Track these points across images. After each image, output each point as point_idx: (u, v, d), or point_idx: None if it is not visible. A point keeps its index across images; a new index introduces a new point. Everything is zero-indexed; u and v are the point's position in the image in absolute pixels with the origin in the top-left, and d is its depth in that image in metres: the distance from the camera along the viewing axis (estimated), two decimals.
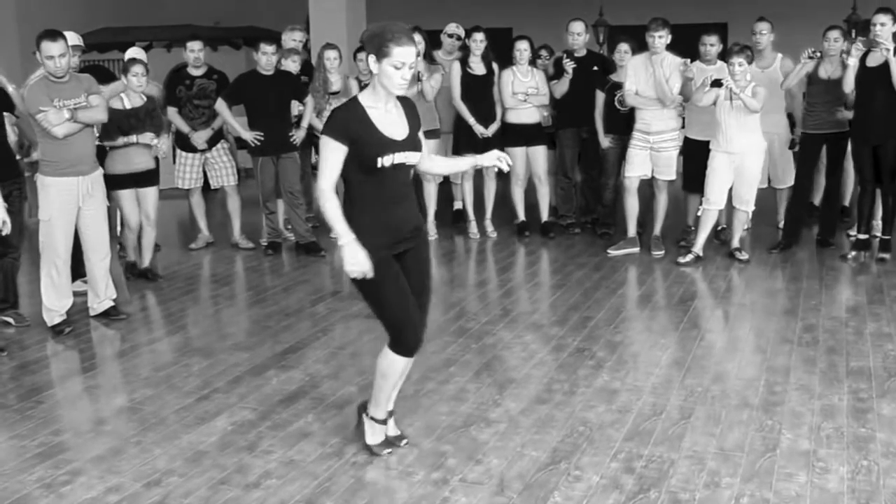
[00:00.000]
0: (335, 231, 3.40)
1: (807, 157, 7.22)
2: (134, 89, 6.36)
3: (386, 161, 3.39)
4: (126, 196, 6.41)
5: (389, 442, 3.83)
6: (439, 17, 8.50)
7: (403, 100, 3.56)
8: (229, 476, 3.64)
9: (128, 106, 6.29)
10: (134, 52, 7.33)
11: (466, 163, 4.08)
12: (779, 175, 7.62)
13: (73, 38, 6.17)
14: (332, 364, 4.94)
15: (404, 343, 3.57)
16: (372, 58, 3.36)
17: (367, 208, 3.46)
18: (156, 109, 6.58)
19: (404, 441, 3.88)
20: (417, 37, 7.46)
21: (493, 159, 3.67)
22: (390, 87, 3.38)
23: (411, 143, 3.50)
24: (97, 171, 5.73)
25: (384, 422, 3.81)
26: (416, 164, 3.62)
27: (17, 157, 6.08)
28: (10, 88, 5.78)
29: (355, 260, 3.36)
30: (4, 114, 5.70)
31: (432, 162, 3.94)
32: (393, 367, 3.63)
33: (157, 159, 6.68)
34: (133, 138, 6.28)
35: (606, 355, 4.97)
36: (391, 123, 3.46)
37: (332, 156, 3.39)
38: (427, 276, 3.70)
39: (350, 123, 3.40)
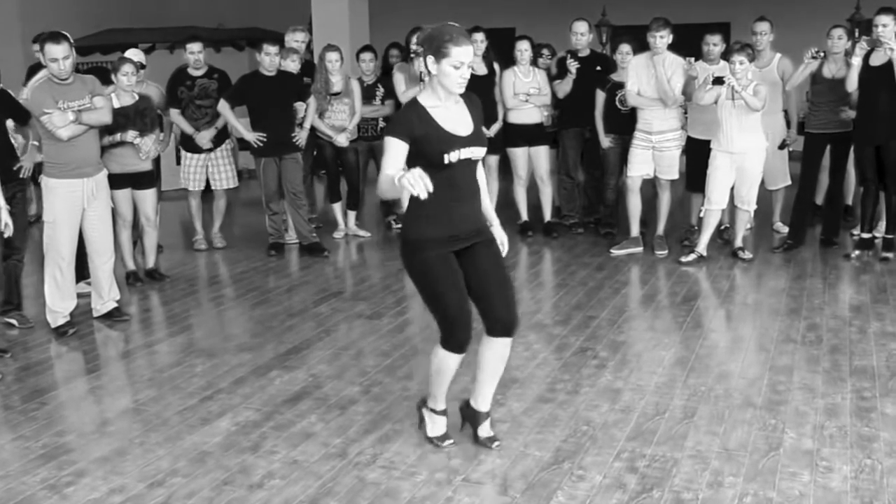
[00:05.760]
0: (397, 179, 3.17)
1: (811, 157, 7.19)
2: (124, 88, 6.34)
3: (452, 157, 3.43)
4: (120, 195, 6.35)
5: (446, 437, 3.84)
6: (442, 18, 8.46)
7: (467, 95, 3.59)
8: (233, 476, 3.64)
9: (116, 105, 6.23)
10: (132, 53, 7.33)
11: (491, 218, 3.80)
12: (772, 176, 7.47)
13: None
14: (335, 365, 4.95)
15: (455, 340, 3.60)
16: (430, 58, 3.41)
17: (432, 204, 3.41)
18: (148, 108, 6.50)
19: (496, 443, 3.83)
20: (480, 35, 7.59)
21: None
22: (450, 87, 3.44)
23: (476, 139, 3.54)
24: (102, 172, 5.74)
25: (444, 412, 3.86)
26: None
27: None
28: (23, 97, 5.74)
29: (413, 177, 3.11)
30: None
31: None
32: (444, 363, 3.67)
33: (157, 162, 6.64)
34: (117, 137, 6.23)
35: (610, 355, 4.97)
36: (454, 120, 3.50)
37: (393, 150, 3.40)
38: (501, 270, 3.67)
39: (412, 122, 3.44)
